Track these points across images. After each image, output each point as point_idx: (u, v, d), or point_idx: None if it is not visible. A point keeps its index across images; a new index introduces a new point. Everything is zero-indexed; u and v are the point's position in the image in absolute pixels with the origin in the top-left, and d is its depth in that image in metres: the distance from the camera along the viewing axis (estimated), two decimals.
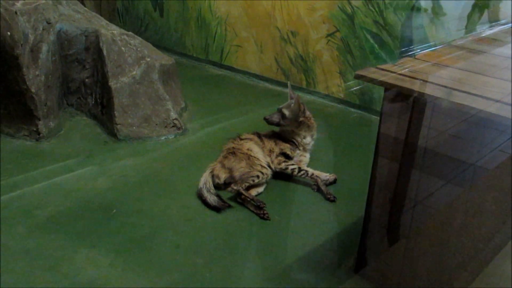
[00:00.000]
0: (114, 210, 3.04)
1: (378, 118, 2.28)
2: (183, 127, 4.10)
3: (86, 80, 4.15)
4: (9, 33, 3.62)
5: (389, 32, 4.31)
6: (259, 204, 3.08)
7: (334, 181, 3.43)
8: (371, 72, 2.25)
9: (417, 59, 2.47)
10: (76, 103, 4.23)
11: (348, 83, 4.69)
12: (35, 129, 3.79)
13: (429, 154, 2.14)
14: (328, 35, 4.72)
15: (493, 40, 2.93)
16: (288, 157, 3.46)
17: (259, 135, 3.55)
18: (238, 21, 5.38)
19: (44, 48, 3.83)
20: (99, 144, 3.84)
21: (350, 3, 4.47)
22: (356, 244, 2.59)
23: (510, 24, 3.24)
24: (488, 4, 3.79)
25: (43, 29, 3.86)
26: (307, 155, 3.56)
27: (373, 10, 4.36)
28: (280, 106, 3.51)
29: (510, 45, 2.84)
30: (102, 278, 2.51)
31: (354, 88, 4.66)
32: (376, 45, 4.42)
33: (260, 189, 3.29)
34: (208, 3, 5.57)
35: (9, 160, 3.53)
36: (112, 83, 3.92)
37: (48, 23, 3.92)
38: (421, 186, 2.19)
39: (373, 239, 2.48)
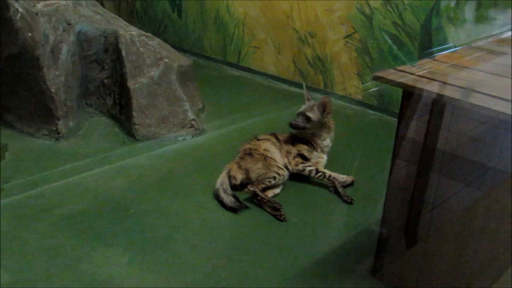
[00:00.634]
0: (132, 210, 3.07)
1: (396, 120, 2.27)
2: (200, 128, 4.13)
3: (105, 80, 4.19)
4: (30, 34, 3.68)
5: (408, 33, 4.29)
6: (275, 205, 3.08)
7: (352, 183, 3.42)
8: (389, 73, 2.24)
9: (436, 60, 2.45)
10: (95, 103, 4.28)
11: (366, 84, 4.67)
12: (54, 129, 3.84)
13: (448, 157, 2.12)
14: (346, 36, 4.70)
15: None
16: (305, 159, 3.46)
17: (276, 136, 3.55)
18: (256, 22, 5.38)
19: (64, 48, 3.89)
20: (117, 144, 3.88)
21: (368, 4, 4.45)
22: (373, 246, 2.58)
23: None
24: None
25: (63, 30, 3.91)
26: (325, 157, 3.55)
27: (392, 11, 4.34)
28: (302, 110, 3.44)
29: None
30: (119, 277, 2.53)
31: (372, 90, 4.64)
32: (394, 47, 4.40)
33: (277, 190, 3.29)
34: (226, 4, 5.59)
35: (29, 159, 3.58)
36: (131, 84, 3.96)
37: (68, 24, 3.97)
38: (439, 189, 2.17)
39: (391, 241, 2.46)
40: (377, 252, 2.54)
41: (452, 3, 4.00)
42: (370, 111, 4.66)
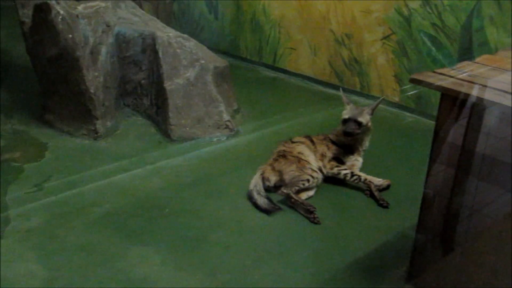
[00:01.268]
0: (167, 210, 3.11)
1: (434, 123, 2.23)
2: (235, 129, 4.14)
3: (142, 81, 4.26)
4: (70, 35, 3.78)
5: (447, 34, 4.20)
6: (309, 208, 3.07)
7: (388, 187, 3.37)
8: (427, 76, 2.20)
9: (477, 63, 2.39)
10: (132, 103, 4.35)
11: (404, 87, 4.60)
12: (93, 129, 3.93)
13: (488, 161, 2.06)
14: (384, 37, 4.64)
15: None
16: (340, 162, 3.42)
17: (311, 139, 3.53)
18: (292, 23, 5.37)
19: (103, 50, 3.97)
20: (153, 144, 3.94)
21: (407, 5, 4.38)
22: (408, 252, 2.54)
23: None
24: None
25: (102, 32, 4.00)
26: (360, 160, 3.51)
27: (431, 12, 4.26)
28: (351, 116, 3.32)
29: None
30: (153, 276, 2.57)
31: (410, 93, 4.56)
32: (433, 48, 4.31)
33: (311, 193, 3.27)
34: (262, 6, 5.60)
35: (68, 158, 3.67)
36: (167, 85, 4.01)
37: (108, 26, 4.06)
38: (478, 194, 2.12)
39: (426, 247, 2.41)
40: (412, 258, 2.49)
41: (494, 4, 3.89)
42: (407, 114, 4.58)
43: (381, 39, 4.66)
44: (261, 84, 5.39)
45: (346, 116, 3.35)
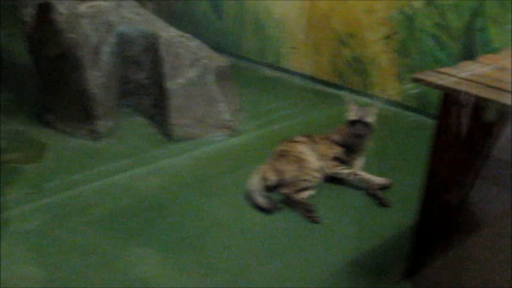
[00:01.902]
0: (165, 210, 3.09)
1: (435, 122, 2.20)
2: (236, 129, 4.12)
3: (144, 81, 4.24)
4: (72, 35, 3.76)
5: (450, 34, 4.16)
6: (309, 207, 3.04)
7: (389, 186, 3.35)
8: (429, 75, 2.17)
9: (479, 62, 2.36)
10: (133, 103, 4.34)
11: (406, 86, 4.57)
12: (94, 129, 3.91)
13: (488, 159, 2.04)
14: (386, 37, 4.60)
15: None
16: (342, 161, 3.40)
17: (312, 138, 3.50)
18: (294, 22, 5.35)
19: (105, 49, 3.96)
20: (154, 144, 3.92)
21: (410, 4, 4.35)
22: (408, 250, 2.51)
23: None
24: None
25: (105, 31, 3.98)
26: (362, 159, 3.48)
27: (435, 11, 4.22)
28: (359, 117, 3.28)
29: None
30: (152, 276, 2.55)
31: (412, 92, 4.53)
32: (436, 48, 4.27)
33: (311, 192, 3.25)
34: (265, 5, 5.57)
35: (68, 159, 3.66)
36: (169, 84, 3.99)
37: (110, 25, 4.04)
38: (477, 193, 2.09)
39: (426, 245, 2.39)
40: (412, 255, 2.47)
41: (497, 3, 3.85)
42: (409, 113, 4.56)
43: (384, 39, 4.63)
44: (263, 84, 5.37)
45: (355, 118, 3.30)
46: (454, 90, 2.04)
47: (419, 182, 2.34)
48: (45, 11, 3.79)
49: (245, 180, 3.28)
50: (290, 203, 3.12)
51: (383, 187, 3.32)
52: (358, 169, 3.42)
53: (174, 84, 4.00)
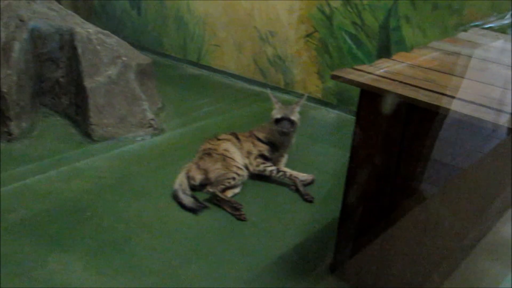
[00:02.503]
0: (88, 213, 3.00)
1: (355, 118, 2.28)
2: (159, 127, 4.07)
3: (61, 79, 4.09)
4: None
5: (366, 33, 4.34)
6: (235, 205, 3.07)
7: (312, 182, 3.44)
8: (347, 72, 2.25)
9: (393, 60, 2.48)
10: (50, 103, 4.16)
11: (326, 83, 4.71)
12: (6, 130, 3.71)
13: (405, 155, 2.15)
14: (307, 35, 4.72)
15: (467, 42, 2.96)
16: (266, 159, 3.45)
17: (236, 136, 3.53)
18: (217, 20, 5.35)
19: (17, 46, 3.77)
20: (73, 145, 3.79)
21: (328, 4, 4.48)
22: (332, 244, 2.60)
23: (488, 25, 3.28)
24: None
25: (15, 27, 3.79)
26: (285, 156, 3.56)
27: (352, 11, 4.38)
28: (285, 115, 3.34)
29: (482, 47, 2.88)
30: (76, 283, 2.46)
31: (332, 89, 4.68)
32: (354, 46, 4.44)
33: (237, 190, 3.27)
34: (186, 2, 5.54)
35: None
36: (87, 83, 3.87)
37: (21, 20, 3.85)
38: (396, 187, 2.20)
39: (349, 239, 2.48)
40: (336, 249, 2.55)
41: (409, 4, 4.06)
42: (330, 110, 4.70)
43: (304, 37, 4.75)
44: (185, 82, 5.34)
45: (279, 116, 3.36)
46: (371, 87, 2.14)
47: (341, 177, 2.42)
48: None
49: (170, 180, 3.25)
50: (216, 201, 3.13)
51: (307, 183, 3.41)
52: (282, 166, 3.50)
53: (93, 82, 3.89)
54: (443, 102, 1.95)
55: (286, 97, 4.88)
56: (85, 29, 4.03)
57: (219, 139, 3.47)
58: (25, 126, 3.82)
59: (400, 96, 2.03)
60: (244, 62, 5.27)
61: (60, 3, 4.78)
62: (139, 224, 2.94)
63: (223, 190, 3.16)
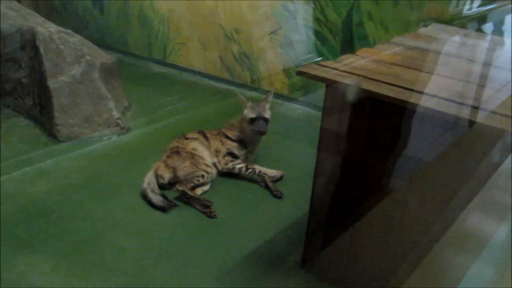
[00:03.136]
0: (56, 214, 2.95)
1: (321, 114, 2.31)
2: (126, 127, 4.03)
3: (23, 80, 3.99)
4: None
5: (330, 29, 4.38)
6: (205, 202, 3.06)
7: (281, 178, 3.46)
8: (313, 68, 2.27)
9: (357, 55, 2.52)
10: (13, 104, 4.07)
11: (292, 79, 4.74)
12: None
13: (371, 149, 2.19)
14: (271, 32, 4.74)
15: (428, 37, 3.02)
16: (235, 157, 3.45)
17: (204, 134, 3.52)
18: (181, 18, 5.32)
19: None
20: (38, 146, 3.71)
21: (292, 1, 4.51)
22: (302, 239, 2.62)
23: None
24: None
25: None
26: (254, 153, 3.57)
27: (315, 8, 4.41)
28: (259, 114, 3.34)
29: (443, 41, 2.95)
30: (44, 284, 2.42)
31: (298, 85, 4.71)
32: (318, 42, 4.48)
33: (206, 188, 3.27)
34: (149, 2, 5.48)
35: None
36: (51, 83, 3.80)
37: None
38: (362, 181, 2.23)
39: (318, 233, 2.51)
40: (306, 244, 2.58)
41: (371, 1, 4.12)
42: (297, 106, 4.73)
43: (269, 34, 4.76)
44: (151, 80, 5.29)
45: (253, 115, 3.35)
46: (335, 82, 2.16)
47: (310, 172, 2.44)
48: None
49: (138, 179, 3.21)
50: (185, 199, 3.12)
51: (276, 179, 3.43)
52: (251, 163, 3.50)
53: (56, 82, 3.81)
54: (406, 96, 1.99)
55: (253, 94, 4.89)
56: (46, 29, 3.95)
57: (187, 138, 3.46)
58: None
59: (365, 90, 2.06)
60: (210, 60, 5.25)
61: (20, 3, 4.67)
62: (108, 224, 2.90)
63: (193, 188, 3.15)
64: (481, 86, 2.17)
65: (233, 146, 3.46)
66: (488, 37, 3.28)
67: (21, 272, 2.48)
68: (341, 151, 2.33)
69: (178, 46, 5.45)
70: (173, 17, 5.37)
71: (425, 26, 3.39)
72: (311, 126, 4.26)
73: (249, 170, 3.39)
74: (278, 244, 2.85)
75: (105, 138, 3.90)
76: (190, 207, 3.10)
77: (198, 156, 3.31)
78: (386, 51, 2.60)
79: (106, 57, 4.24)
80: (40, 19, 4.24)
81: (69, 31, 4.09)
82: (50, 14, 6.19)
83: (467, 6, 4.02)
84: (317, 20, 4.43)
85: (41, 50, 3.82)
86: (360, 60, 2.43)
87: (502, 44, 3.05)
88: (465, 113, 1.90)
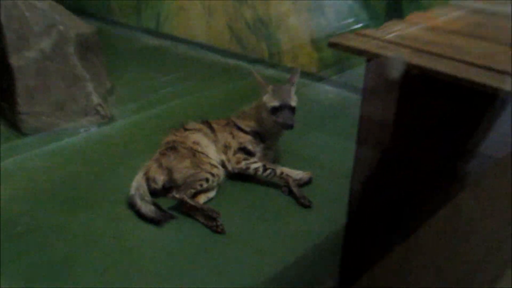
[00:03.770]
0: (19, 227, 2.99)
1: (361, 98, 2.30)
2: (108, 115, 4.07)
3: None
4: None
5: None
6: (210, 214, 3.06)
7: (309, 181, 3.45)
8: (349, 39, 2.26)
9: (407, 21, 2.50)
10: None
11: (322, 53, 4.72)
12: None
13: (427, 143, 2.17)
14: None
15: None
16: (249, 153, 3.45)
17: (210, 125, 3.53)
18: None
19: None
20: None
21: None
22: (337, 260, 2.62)
23: None
24: None
25: None
26: (274, 148, 3.56)
27: None
28: (283, 102, 3.32)
29: None
30: None
31: (331, 60, 4.70)
32: (356, 5, 4.46)
33: (211, 194, 3.28)
34: None
35: None
36: (14, 60, 3.85)
37: None
38: (415, 184, 2.22)
39: (357, 253, 2.50)
40: (342, 266, 2.57)
41: None
42: (329, 87, 4.72)
43: None
44: (141, 55, 5.33)
45: (276, 104, 3.33)
46: (378, 56, 2.15)
47: (346, 174, 2.43)
48: None
49: (124, 183, 3.24)
50: (185, 210, 3.13)
51: (303, 183, 3.42)
52: (270, 162, 3.51)
53: (21, 59, 3.86)
54: (472, 74, 1.97)
55: (271, 72, 4.89)
56: None
57: (187, 129, 3.47)
58: None
59: (417, 67, 2.05)
60: (217, 29, 5.26)
61: None
62: (86, 241, 2.93)
63: (194, 195, 3.16)
64: None
65: (247, 140, 3.47)
66: None
67: None
68: (387, 145, 2.31)
69: (176, 11, 5.47)
70: None
71: None
72: (347, 114, 4.25)
73: (268, 171, 3.39)
74: (306, 268, 2.84)
75: (82, 130, 3.95)
76: (191, 219, 3.11)
77: (201, 153, 3.31)
78: (444, 16, 2.57)
79: (83, 27, 4.26)
80: None
81: None
82: None
83: None
84: None
85: (2, 18, 3.87)
86: (410, 28, 2.41)
87: None
88: None
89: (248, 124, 3.50)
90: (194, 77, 4.90)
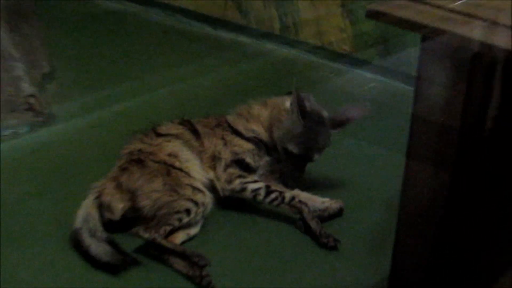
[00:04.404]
0: None
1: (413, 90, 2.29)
2: (46, 112, 4.08)
3: None
4: None
5: None
6: (194, 260, 3.04)
7: (340, 213, 3.44)
8: (397, 7, 2.26)
9: None
10: None
11: (358, 26, 4.73)
12: None
13: (502, 154, 2.16)
14: None
15: None
16: (247, 169, 3.44)
17: (193, 127, 3.51)
18: None
19: None
20: None
21: None
22: None
23: None
24: None
25: None
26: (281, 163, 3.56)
27: None
28: (306, 154, 3.43)
29: None
30: None
31: (370, 35, 4.71)
32: None
33: (193, 231, 3.28)
34: None
35: None
36: None
37: None
38: (490, 212, 2.21)
39: None
40: None
41: None
42: (368, 74, 4.72)
43: None
44: (97, 25, 5.37)
45: (296, 151, 3.42)
46: (439, 32, 2.14)
47: (392, 202, 2.43)
48: None
49: (67, 212, 3.24)
50: (156, 253, 3.12)
51: (329, 215, 3.42)
52: (278, 183, 3.50)
53: None
54: None
55: (285, 51, 4.90)
56: None
57: (159, 135, 3.45)
58: None
59: (498, 49, 2.04)
60: None
61: None
62: None
63: (169, 234, 3.15)
64: None
65: (246, 150, 3.45)
66: None
67: None
68: (453, 158, 2.31)
69: None
70: None
71: None
72: (393, 113, 4.25)
73: (273, 195, 3.36)
74: None
75: (8, 132, 3.95)
76: (165, 266, 3.10)
77: (180, 170, 3.29)
78: None
79: None
80: None
81: None
82: None
83: None
84: None
85: None
86: None
87: None
88: None
89: (250, 127, 3.48)
90: (172, 57, 4.91)
